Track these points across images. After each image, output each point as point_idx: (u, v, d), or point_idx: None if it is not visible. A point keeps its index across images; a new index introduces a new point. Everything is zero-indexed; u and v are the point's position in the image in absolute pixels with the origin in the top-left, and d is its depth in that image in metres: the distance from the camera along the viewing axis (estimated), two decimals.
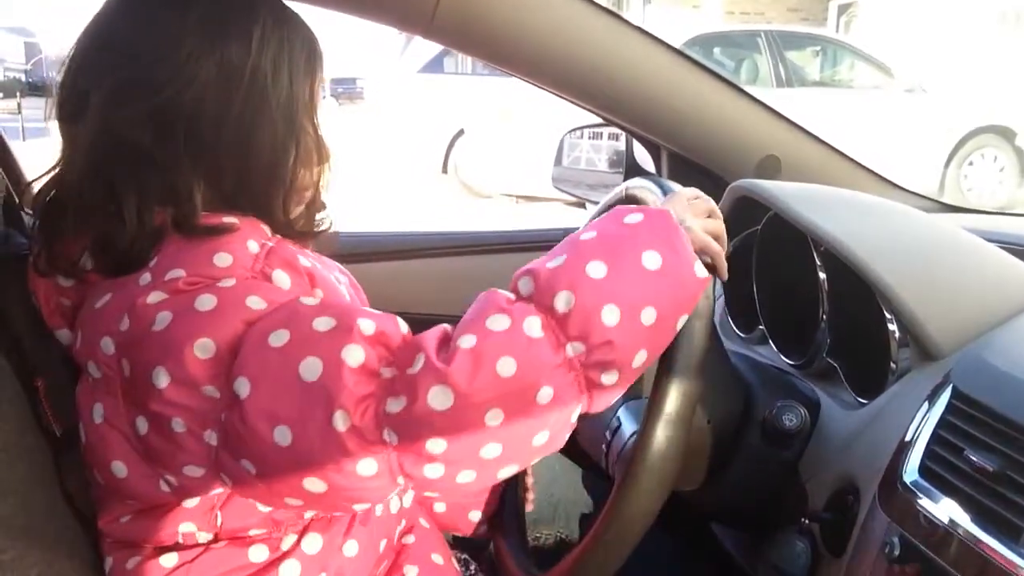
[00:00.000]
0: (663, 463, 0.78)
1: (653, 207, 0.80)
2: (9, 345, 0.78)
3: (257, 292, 0.72)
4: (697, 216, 0.81)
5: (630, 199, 1.02)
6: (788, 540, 0.89)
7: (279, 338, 0.69)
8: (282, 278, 0.75)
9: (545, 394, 0.69)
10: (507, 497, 1.07)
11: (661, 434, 0.78)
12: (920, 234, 0.96)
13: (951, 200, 1.88)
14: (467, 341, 0.69)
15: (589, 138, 1.75)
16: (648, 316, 0.71)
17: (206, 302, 0.71)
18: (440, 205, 6.92)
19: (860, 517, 0.80)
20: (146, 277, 0.74)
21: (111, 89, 0.76)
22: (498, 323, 0.70)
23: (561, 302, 0.70)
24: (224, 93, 0.77)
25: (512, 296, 0.74)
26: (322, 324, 0.70)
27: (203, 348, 0.69)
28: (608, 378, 0.71)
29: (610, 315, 0.70)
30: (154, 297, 0.72)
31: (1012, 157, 6.67)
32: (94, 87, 0.77)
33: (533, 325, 0.70)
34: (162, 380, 0.69)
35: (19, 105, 10.13)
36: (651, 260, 0.73)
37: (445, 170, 7.56)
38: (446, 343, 0.71)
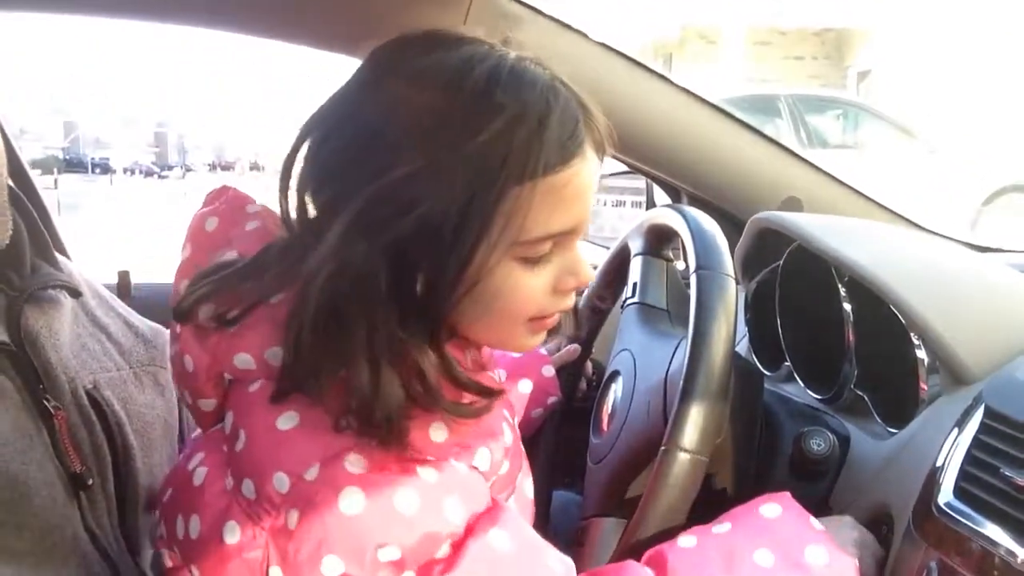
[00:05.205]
0: (673, 500, 0.77)
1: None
2: (31, 378, 0.78)
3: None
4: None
5: (654, 229, 1.03)
6: None
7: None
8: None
9: None
10: None
11: (675, 469, 0.77)
12: (946, 260, 0.96)
13: None
14: None
15: (612, 206, 1.76)
16: None
17: (407, 500, 0.64)
18: None
19: (895, 546, 0.78)
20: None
21: (359, 208, 0.64)
22: None
23: None
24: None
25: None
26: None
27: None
28: None
29: None
30: (354, 462, 0.64)
31: None
32: (340, 200, 0.65)
33: None
34: (331, 568, 0.63)
35: (56, 181, 10.44)
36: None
37: None
38: None
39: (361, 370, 0.63)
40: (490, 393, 0.70)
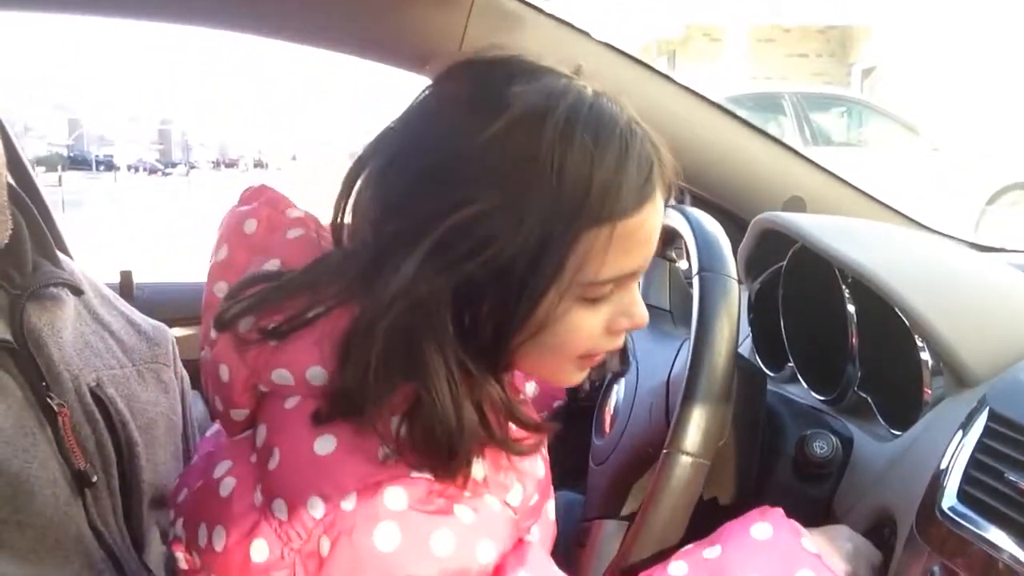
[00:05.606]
0: (675, 503, 0.77)
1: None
2: (34, 376, 0.77)
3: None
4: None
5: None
6: None
7: None
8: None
9: None
10: None
11: (677, 472, 0.76)
12: (949, 261, 0.95)
13: None
14: None
15: None
16: None
17: (443, 541, 0.63)
18: None
19: (898, 549, 0.77)
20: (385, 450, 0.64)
21: (434, 243, 0.62)
22: None
23: None
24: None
25: None
26: None
27: None
28: None
29: None
30: (394, 497, 0.63)
31: None
32: (410, 231, 0.63)
33: None
34: None
35: (60, 178, 10.45)
36: None
37: None
38: None
39: (445, 404, 0.62)
40: (541, 429, 0.70)
